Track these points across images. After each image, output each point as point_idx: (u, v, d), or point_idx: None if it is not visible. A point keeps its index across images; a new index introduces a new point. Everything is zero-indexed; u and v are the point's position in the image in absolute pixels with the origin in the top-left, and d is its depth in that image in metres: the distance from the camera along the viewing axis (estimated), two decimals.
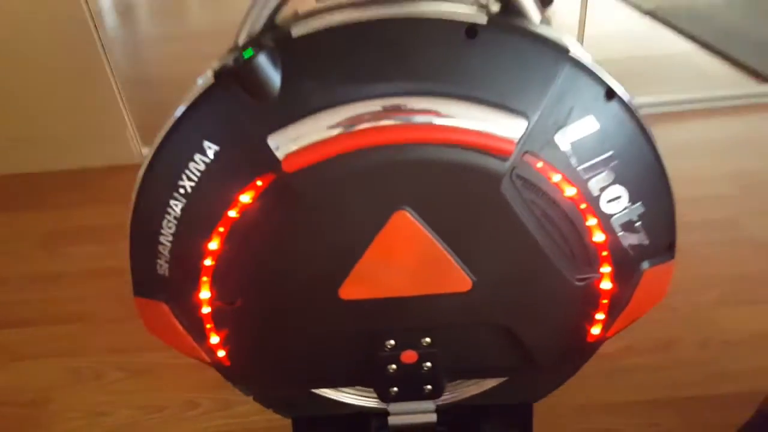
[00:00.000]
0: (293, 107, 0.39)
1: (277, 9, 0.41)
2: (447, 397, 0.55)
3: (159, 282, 0.46)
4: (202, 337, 0.48)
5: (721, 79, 1.28)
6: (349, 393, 0.56)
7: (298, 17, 0.42)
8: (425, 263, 0.43)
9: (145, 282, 0.47)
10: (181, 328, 0.48)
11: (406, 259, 0.43)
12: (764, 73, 1.25)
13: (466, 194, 0.40)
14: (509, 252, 0.43)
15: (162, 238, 0.45)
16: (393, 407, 0.53)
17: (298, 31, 0.39)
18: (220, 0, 2.30)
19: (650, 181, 0.43)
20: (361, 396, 0.56)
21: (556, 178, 0.41)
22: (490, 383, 0.55)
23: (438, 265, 0.43)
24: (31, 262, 0.96)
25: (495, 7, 0.41)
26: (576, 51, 0.39)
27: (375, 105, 0.38)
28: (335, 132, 0.38)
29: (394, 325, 0.47)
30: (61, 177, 1.20)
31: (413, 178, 0.40)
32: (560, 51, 0.39)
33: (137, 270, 0.47)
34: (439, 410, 0.54)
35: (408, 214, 0.41)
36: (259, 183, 0.41)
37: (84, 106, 1.18)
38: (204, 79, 0.41)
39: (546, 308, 0.47)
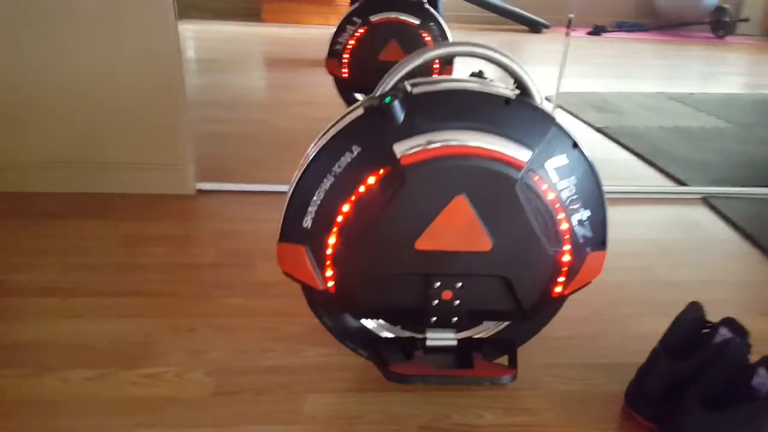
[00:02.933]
0: (408, 130, 0.71)
1: (402, 78, 0.74)
2: (463, 334, 0.84)
3: (302, 232, 0.76)
4: (322, 270, 0.77)
5: (651, 180, 1.69)
6: (399, 332, 0.85)
7: (414, 82, 0.75)
8: (467, 229, 0.74)
9: (292, 232, 0.76)
10: (309, 264, 0.77)
11: (457, 225, 0.74)
12: (681, 179, 1.66)
13: (495, 188, 0.73)
14: (515, 229, 0.75)
15: (313, 202, 0.75)
16: (429, 333, 0.82)
17: (414, 91, 0.72)
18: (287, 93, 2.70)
19: (594, 197, 0.77)
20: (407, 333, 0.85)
21: (544, 187, 0.74)
22: (492, 328, 0.85)
23: (474, 231, 0.74)
24: (116, 256, 1.21)
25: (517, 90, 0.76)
26: (559, 120, 0.74)
27: (452, 133, 0.71)
28: (430, 146, 0.71)
29: (442, 271, 0.77)
30: (126, 198, 1.46)
31: (469, 176, 0.72)
32: (551, 118, 0.73)
33: (288, 223, 0.76)
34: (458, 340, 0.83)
35: (464, 198, 0.73)
36: (381, 171, 0.72)
37: (158, 143, 1.47)
38: (356, 112, 0.73)
39: (532, 268, 0.78)
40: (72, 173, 1.48)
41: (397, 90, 0.73)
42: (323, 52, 3.34)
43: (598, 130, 2.12)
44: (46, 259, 1.19)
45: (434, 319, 0.80)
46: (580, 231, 0.77)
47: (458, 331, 0.83)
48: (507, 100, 0.72)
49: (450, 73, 2.04)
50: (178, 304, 1.06)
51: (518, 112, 0.72)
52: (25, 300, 1.06)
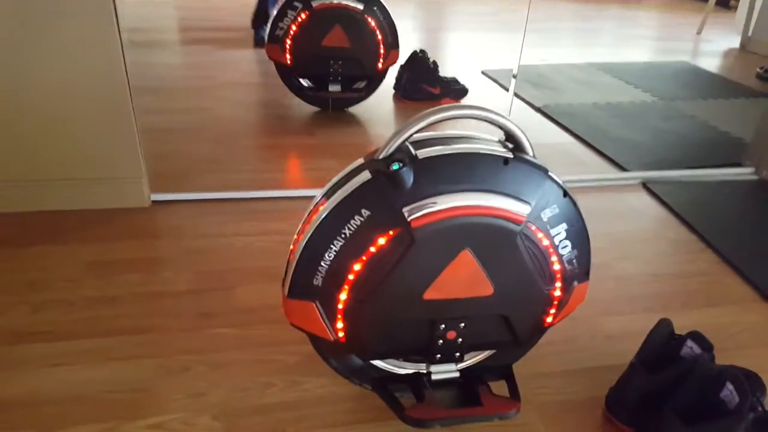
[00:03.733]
0: (416, 193, 0.74)
1: (407, 139, 0.76)
2: (464, 363, 0.90)
3: (312, 289, 0.78)
4: (332, 323, 0.80)
5: (593, 165, 1.80)
6: (402, 364, 0.90)
7: (418, 144, 0.77)
8: (471, 278, 0.79)
9: (302, 289, 0.78)
10: (320, 318, 0.79)
11: (462, 276, 0.79)
12: (620, 164, 1.78)
13: (498, 241, 0.77)
14: (514, 273, 0.80)
15: (323, 262, 0.77)
16: (434, 368, 0.88)
17: (420, 155, 0.74)
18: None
19: (581, 238, 0.83)
20: (410, 365, 0.90)
21: (540, 235, 0.80)
22: (489, 353, 0.92)
23: (478, 279, 0.79)
24: (85, 288, 1.17)
25: (510, 143, 0.80)
26: (551, 172, 0.79)
27: (457, 195, 0.74)
28: (437, 207, 0.74)
29: (447, 315, 0.82)
30: (78, 216, 1.40)
31: (474, 232, 0.76)
32: (544, 171, 0.78)
33: (297, 281, 0.78)
34: (459, 370, 0.89)
35: (468, 252, 0.77)
36: (390, 233, 0.75)
37: (108, 154, 1.40)
38: (364, 175, 0.74)
39: (528, 305, 0.84)
40: (14, 192, 1.40)
41: (402, 153, 0.75)
42: (244, 19, 3.21)
43: (539, 110, 2.21)
44: (9, 297, 1.14)
45: (439, 356, 0.86)
46: (569, 268, 0.84)
47: (458, 362, 0.89)
48: (506, 161, 0.76)
49: (396, 57, 2.04)
50: (165, 341, 1.06)
51: (516, 170, 0.76)
52: None
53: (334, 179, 0.79)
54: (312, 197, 0.82)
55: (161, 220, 1.41)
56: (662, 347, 0.92)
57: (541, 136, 2.00)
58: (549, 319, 0.87)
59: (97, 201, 1.44)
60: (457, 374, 0.88)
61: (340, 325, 0.80)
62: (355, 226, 0.75)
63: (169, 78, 2.44)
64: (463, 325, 0.84)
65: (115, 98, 1.34)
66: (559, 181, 0.79)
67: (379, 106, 2.21)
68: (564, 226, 0.80)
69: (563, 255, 0.82)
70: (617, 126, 2.10)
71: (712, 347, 0.89)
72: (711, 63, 3.17)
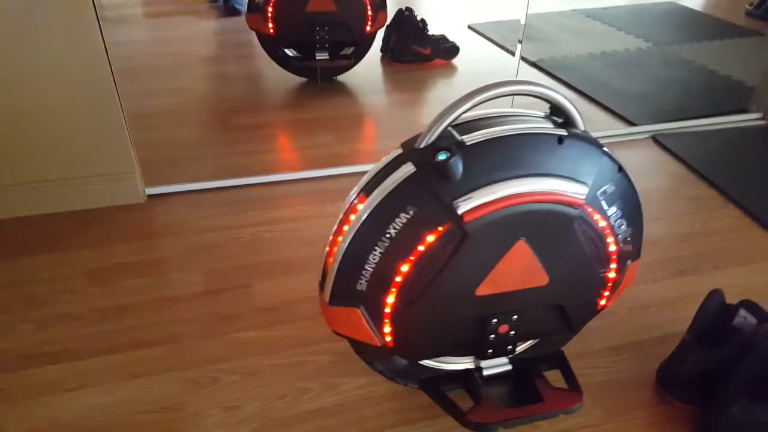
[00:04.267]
0: (467, 185, 0.67)
1: (450, 124, 0.68)
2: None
3: (357, 294, 0.72)
4: (380, 328, 0.74)
5: (599, 122, 1.74)
6: (450, 361, 0.85)
7: (460, 128, 0.69)
8: (527, 269, 0.73)
9: (345, 295, 0.72)
10: (366, 324, 0.73)
11: (517, 268, 0.73)
12: (629, 119, 1.72)
13: (554, 227, 0.71)
14: (570, 260, 0.75)
15: (367, 266, 0.70)
16: (485, 363, 0.83)
17: (468, 140, 0.67)
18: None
19: (635, 214, 0.78)
20: (458, 362, 0.85)
21: (597, 217, 0.74)
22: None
23: (533, 271, 0.74)
24: (91, 299, 1.09)
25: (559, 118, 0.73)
26: (605, 147, 0.72)
27: (511, 183, 0.68)
28: (491, 198, 0.67)
29: (500, 309, 0.77)
30: (71, 218, 1.30)
31: (529, 221, 0.70)
32: (599, 146, 0.72)
33: (339, 287, 0.71)
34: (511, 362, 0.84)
35: (524, 242, 0.71)
36: (440, 229, 0.68)
37: (96, 149, 1.30)
38: (406, 168, 0.67)
39: (583, 291, 0.79)
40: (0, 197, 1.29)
41: (448, 141, 0.68)
42: None
43: (534, 64, 2.13)
44: (8, 315, 1.06)
45: (490, 351, 0.81)
46: (623, 248, 0.78)
47: (514, 353, 0.84)
48: (560, 139, 0.69)
49: (385, 19, 1.93)
50: (188, 351, 0.99)
51: (571, 148, 0.70)
52: (5, 376, 0.94)
53: (371, 172, 0.72)
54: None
55: (160, 216, 1.33)
56: (716, 321, 0.88)
57: None
58: (603, 302, 0.82)
59: (89, 200, 1.34)
60: (510, 367, 0.84)
61: (387, 329, 0.74)
62: (400, 225, 0.68)
63: (141, 56, 2.29)
64: (516, 317, 0.78)
65: (100, 87, 1.23)
66: (614, 156, 0.73)
67: (368, 72, 2.11)
68: (619, 203, 0.75)
69: (619, 235, 0.77)
70: (617, 77, 2.04)
71: (767, 316, 0.86)
72: (697, 1, 3.09)
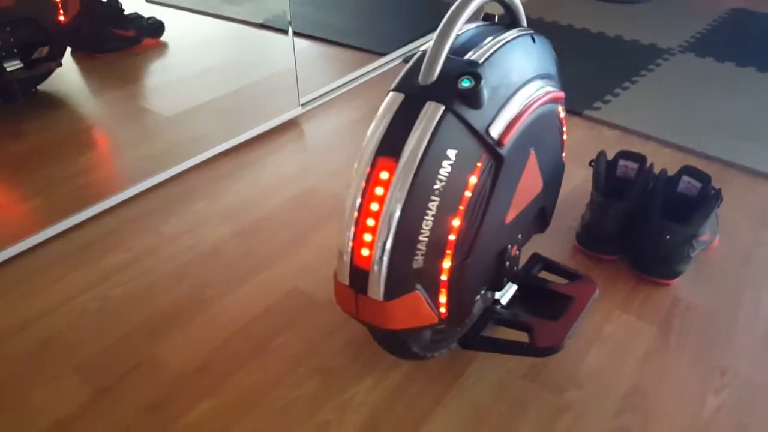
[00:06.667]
0: (492, 105, 0.60)
1: (450, 48, 0.60)
2: None
3: (413, 274, 0.60)
4: (435, 301, 0.64)
5: (352, 62, 1.75)
6: None
7: (453, 52, 0.61)
8: (534, 181, 0.71)
9: (402, 281, 0.60)
10: (426, 303, 0.63)
11: (529, 182, 0.70)
12: (375, 50, 1.78)
13: (549, 127, 0.71)
14: (552, 157, 0.75)
15: (421, 236, 0.59)
16: (499, 294, 0.79)
17: (480, 58, 0.60)
18: None
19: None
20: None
21: (560, 107, 0.75)
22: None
23: (537, 179, 0.72)
24: None
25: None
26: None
27: (521, 93, 0.64)
28: (516, 112, 0.63)
29: (515, 232, 0.73)
30: None
31: (536, 127, 0.67)
32: (546, 37, 0.72)
33: (394, 275, 0.59)
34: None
35: (533, 152, 0.68)
36: (478, 164, 0.61)
37: None
38: (432, 108, 0.57)
39: (557, 184, 0.81)
40: None
41: (463, 65, 0.59)
42: None
43: (263, 26, 2.01)
44: None
45: (506, 278, 0.78)
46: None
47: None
48: (533, 38, 0.67)
49: (77, 5, 1.56)
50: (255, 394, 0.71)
51: (539, 46, 0.69)
52: None
53: (379, 131, 0.59)
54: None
55: None
56: (611, 175, 1.01)
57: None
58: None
59: None
60: (516, 287, 0.82)
61: (443, 299, 0.65)
62: (446, 175, 0.58)
63: None
64: (520, 236, 0.77)
65: None
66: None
67: (70, 74, 1.70)
68: (558, 80, 0.76)
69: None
70: (351, 18, 2.07)
71: (643, 158, 1.02)
72: None
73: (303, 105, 1.48)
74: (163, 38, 1.92)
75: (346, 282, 0.61)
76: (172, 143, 1.37)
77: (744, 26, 1.89)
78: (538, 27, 1.92)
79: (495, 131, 0.61)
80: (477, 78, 0.58)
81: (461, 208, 0.61)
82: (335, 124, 1.43)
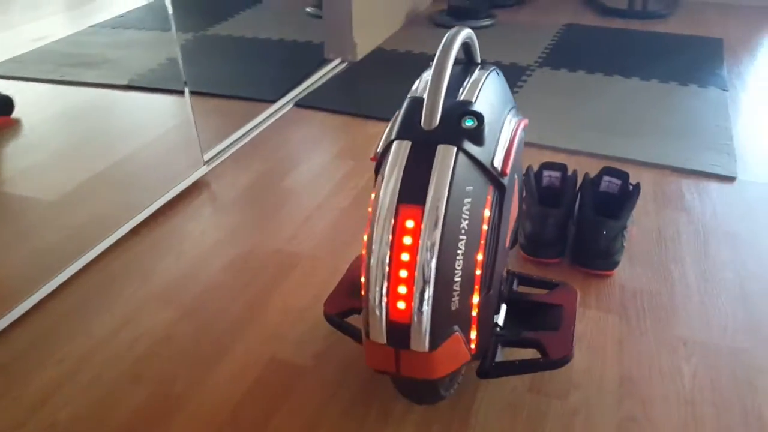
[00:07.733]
0: (492, 140, 0.63)
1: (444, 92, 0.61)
2: None
3: (453, 317, 0.60)
4: (468, 338, 0.64)
5: (244, 112, 1.70)
6: None
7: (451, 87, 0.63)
8: (516, 203, 0.75)
9: (443, 327, 0.59)
10: (463, 344, 0.63)
11: (514, 203, 0.74)
12: (261, 98, 1.74)
13: (521, 150, 0.74)
14: (521, 181, 0.80)
15: (456, 277, 0.59)
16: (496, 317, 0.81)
17: (471, 97, 0.62)
18: None
19: None
20: None
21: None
22: None
23: (517, 202, 0.76)
24: None
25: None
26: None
27: (507, 123, 0.67)
28: (508, 140, 0.66)
29: (506, 253, 0.76)
30: None
31: (518, 152, 0.71)
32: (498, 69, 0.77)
33: (437, 323, 0.59)
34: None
35: (516, 178, 0.72)
36: (488, 197, 0.63)
37: None
38: (446, 150, 0.58)
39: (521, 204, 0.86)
40: None
41: (461, 105, 0.61)
42: None
43: (129, 87, 1.87)
44: None
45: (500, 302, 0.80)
46: None
47: None
48: (497, 72, 0.71)
49: None
50: None
51: (503, 80, 0.73)
52: None
53: (395, 178, 0.58)
54: None
55: None
56: (540, 185, 1.09)
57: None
58: None
59: None
60: (505, 305, 0.85)
61: (473, 335, 0.65)
62: (468, 213, 0.60)
63: None
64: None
65: None
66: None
67: None
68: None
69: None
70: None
71: (564, 167, 1.11)
72: None
73: (207, 162, 1.40)
74: (15, 115, 1.71)
75: (383, 340, 0.59)
76: (69, 229, 1.22)
77: (579, 38, 2.15)
78: (395, 57, 2.02)
79: (497, 163, 0.63)
80: (479, 117, 0.60)
81: (482, 242, 0.62)
82: (247, 178, 1.38)
